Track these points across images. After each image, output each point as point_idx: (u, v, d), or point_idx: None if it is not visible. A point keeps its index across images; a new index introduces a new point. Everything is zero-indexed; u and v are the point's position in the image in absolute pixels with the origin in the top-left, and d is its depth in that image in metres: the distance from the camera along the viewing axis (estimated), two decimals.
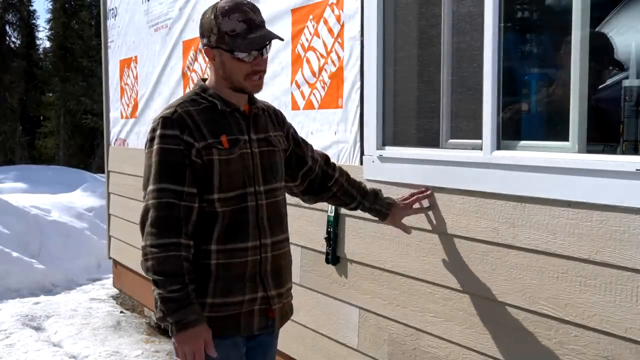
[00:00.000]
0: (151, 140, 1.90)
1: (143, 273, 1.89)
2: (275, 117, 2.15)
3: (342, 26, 2.86)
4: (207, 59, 2.01)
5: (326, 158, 2.35)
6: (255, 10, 1.93)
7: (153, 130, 1.91)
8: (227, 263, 1.92)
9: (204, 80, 2.03)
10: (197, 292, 1.88)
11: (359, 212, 2.79)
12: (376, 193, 2.38)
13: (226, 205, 1.91)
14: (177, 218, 1.85)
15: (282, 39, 1.99)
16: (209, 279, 1.92)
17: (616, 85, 2.20)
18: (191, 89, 2.03)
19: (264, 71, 1.97)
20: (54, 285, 6.70)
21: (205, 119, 1.92)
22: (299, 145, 2.24)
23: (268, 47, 1.94)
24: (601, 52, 2.32)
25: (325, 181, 2.30)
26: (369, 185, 2.43)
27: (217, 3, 1.92)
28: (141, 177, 1.94)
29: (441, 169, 2.40)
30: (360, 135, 2.79)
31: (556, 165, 1.96)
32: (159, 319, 1.87)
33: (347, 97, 2.85)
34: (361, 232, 2.81)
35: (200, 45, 2.03)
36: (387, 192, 2.64)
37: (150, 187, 1.87)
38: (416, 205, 2.42)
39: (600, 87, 2.32)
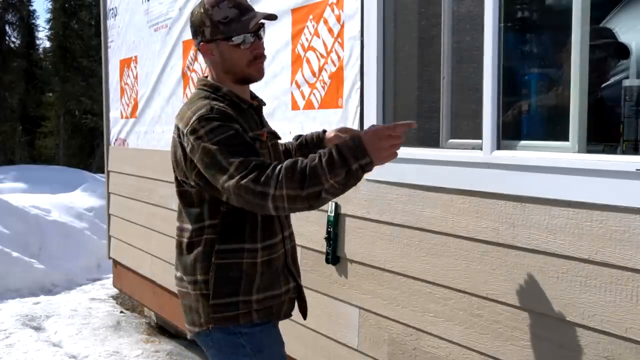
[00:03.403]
0: (197, 139, 1.73)
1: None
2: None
3: (342, 26, 2.86)
4: (205, 57, 1.94)
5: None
6: None
7: (194, 131, 1.74)
8: (269, 259, 1.94)
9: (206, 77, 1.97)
10: (244, 291, 1.88)
11: (358, 212, 2.80)
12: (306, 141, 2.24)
13: None
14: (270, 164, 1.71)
15: (274, 17, 1.92)
16: (254, 276, 1.90)
17: (616, 84, 2.20)
18: (199, 90, 1.93)
19: (265, 55, 1.93)
20: (54, 285, 6.70)
21: (236, 114, 1.84)
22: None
23: (264, 29, 1.92)
24: (603, 48, 2.31)
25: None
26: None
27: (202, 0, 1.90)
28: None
29: (441, 169, 2.40)
30: None
31: (556, 165, 1.96)
32: (355, 180, 1.70)
33: (347, 97, 2.85)
34: (361, 232, 2.81)
35: (194, 45, 1.99)
36: (388, 192, 2.65)
37: (228, 173, 1.67)
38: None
39: (601, 86, 2.32)
